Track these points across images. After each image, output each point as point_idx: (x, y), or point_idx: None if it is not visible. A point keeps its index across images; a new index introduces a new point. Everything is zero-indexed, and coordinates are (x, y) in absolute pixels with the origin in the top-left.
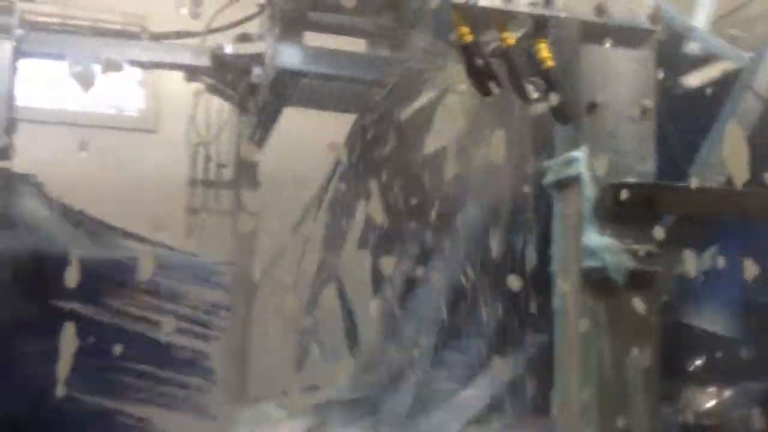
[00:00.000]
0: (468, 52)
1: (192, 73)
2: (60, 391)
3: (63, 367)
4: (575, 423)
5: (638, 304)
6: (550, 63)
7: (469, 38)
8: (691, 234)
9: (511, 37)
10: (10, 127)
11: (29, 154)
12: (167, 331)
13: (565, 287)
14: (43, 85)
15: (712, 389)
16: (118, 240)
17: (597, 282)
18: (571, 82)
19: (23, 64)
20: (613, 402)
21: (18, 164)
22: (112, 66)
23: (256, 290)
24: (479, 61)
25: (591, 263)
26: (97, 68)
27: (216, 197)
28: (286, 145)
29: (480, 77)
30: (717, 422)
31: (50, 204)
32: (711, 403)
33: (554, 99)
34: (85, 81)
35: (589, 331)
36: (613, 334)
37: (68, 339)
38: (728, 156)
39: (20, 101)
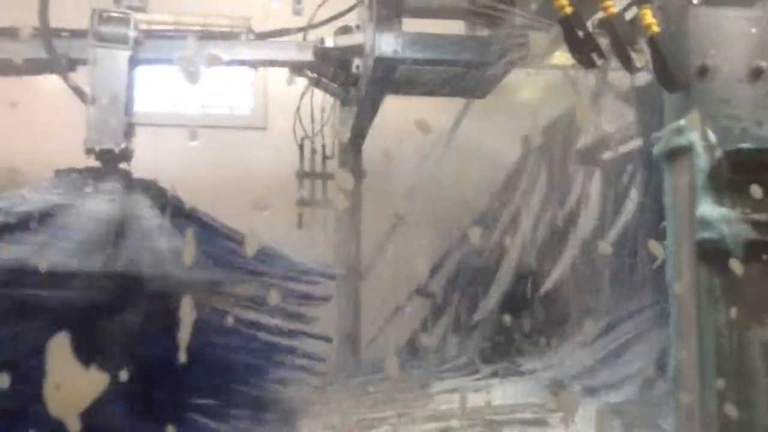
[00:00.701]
0: (568, 24)
1: (297, 68)
2: (182, 357)
3: (183, 337)
4: (693, 398)
5: (758, 276)
6: (655, 29)
7: (569, 10)
8: None
9: (613, 5)
10: (129, 131)
11: (147, 156)
12: (274, 302)
13: (679, 261)
14: (160, 89)
15: None
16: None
17: (713, 254)
18: (679, 47)
19: (141, 71)
20: (733, 378)
21: (138, 165)
22: (213, 60)
23: (362, 277)
24: (580, 33)
25: (706, 235)
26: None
27: (323, 189)
28: (386, 133)
29: (582, 49)
30: None
31: (165, 204)
32: None
33: (661, 66)
34: (192, 77)
35: (705, 306)
36: (732, 309)
37: (187, 311)
38: None
39: (139, 106)
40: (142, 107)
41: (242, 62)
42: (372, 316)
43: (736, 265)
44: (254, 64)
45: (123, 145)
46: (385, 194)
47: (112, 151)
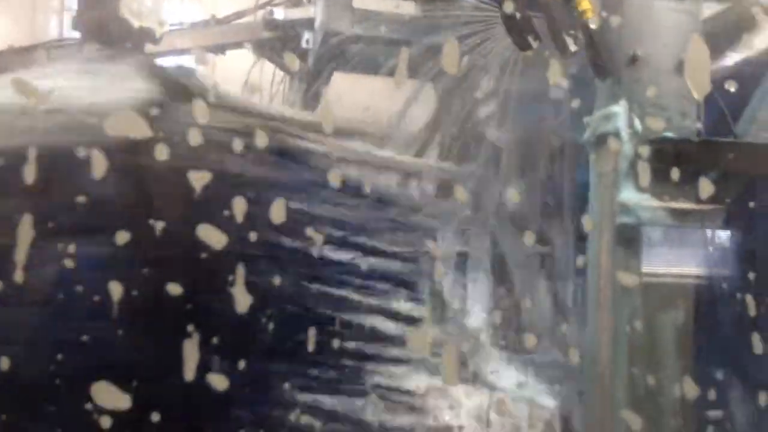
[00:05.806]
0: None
1: (257, 47)
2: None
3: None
4: (604, 378)
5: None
6: (590, 15)
7: None
8: (733, 191)
9: None
10: None
11: None
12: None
13: (599, 243)
14: None
15: None
16: None
17: (632, 238)
18: (612, 35)
19: None
20: (645, 359)
21: None
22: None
23: None
24: (517, 15)
25: (626, 219)
26: None
27: None
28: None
29: (519, 31)
30: None
31: None
32: None
33: (593, 52)
34: None
35: (622, 287)
36: (647, 292)
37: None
38: None
39: None
40: None
41: (205, 48)
42: None
43: None
44: (216, 49)
45: None
46: None
47: None
